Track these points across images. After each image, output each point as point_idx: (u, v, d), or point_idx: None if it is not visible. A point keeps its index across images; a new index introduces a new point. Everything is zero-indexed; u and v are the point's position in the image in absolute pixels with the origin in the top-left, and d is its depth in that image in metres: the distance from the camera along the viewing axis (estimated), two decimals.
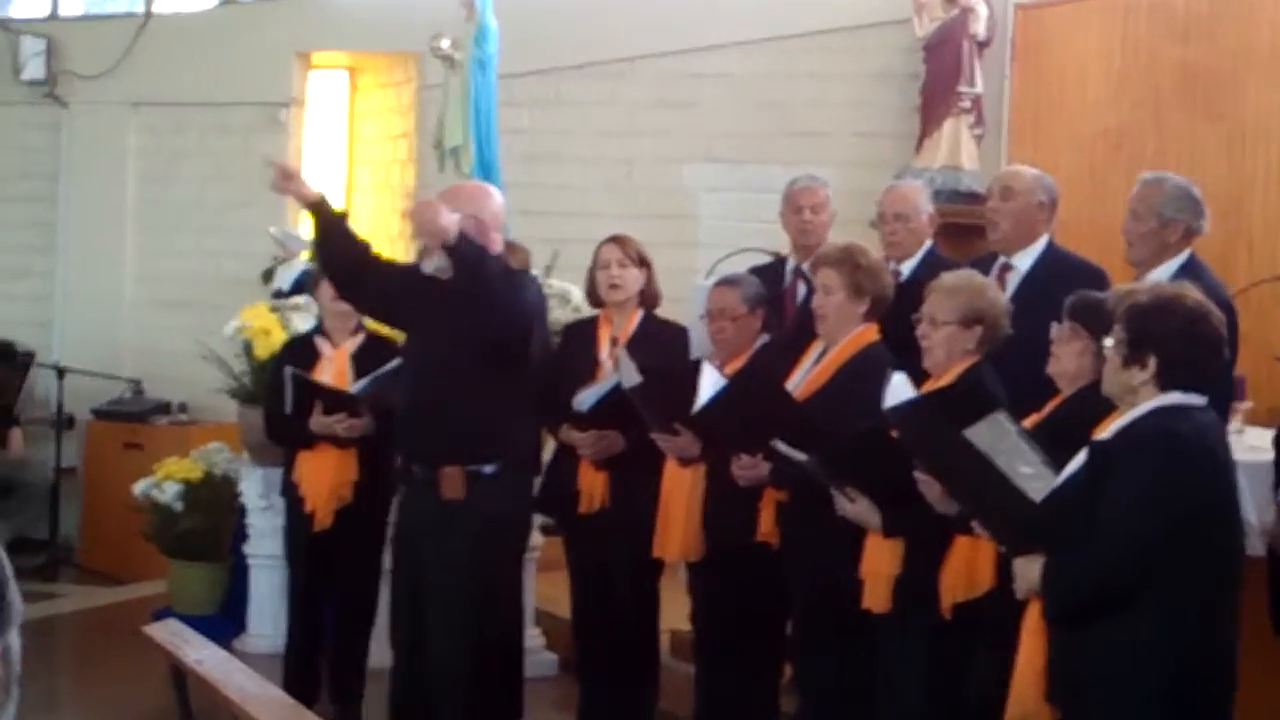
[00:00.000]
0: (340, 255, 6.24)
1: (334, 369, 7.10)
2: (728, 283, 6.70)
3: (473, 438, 6.10)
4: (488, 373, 5.98)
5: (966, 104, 9.79)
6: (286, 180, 6.18)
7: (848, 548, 5.34)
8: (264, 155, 7.41)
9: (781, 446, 5.44)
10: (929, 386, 5.26)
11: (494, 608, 6.23)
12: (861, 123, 10.18)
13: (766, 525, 5.99)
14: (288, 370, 6.97)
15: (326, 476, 6.99)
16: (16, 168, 11.89)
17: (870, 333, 5.88)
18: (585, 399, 6.61)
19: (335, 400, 6.87)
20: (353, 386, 6.92)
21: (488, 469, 6.14)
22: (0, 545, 1.98)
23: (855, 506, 5.27)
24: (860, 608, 5.28)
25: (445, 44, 8.72)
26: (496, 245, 6.16)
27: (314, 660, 7.22)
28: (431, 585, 6.20)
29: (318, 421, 6.88)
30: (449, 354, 6.01)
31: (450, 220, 5.75)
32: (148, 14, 11.74)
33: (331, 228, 6.19)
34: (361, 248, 6.25)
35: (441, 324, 6.03)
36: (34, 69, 11.61)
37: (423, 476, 6.20)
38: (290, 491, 7.17)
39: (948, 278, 5.50)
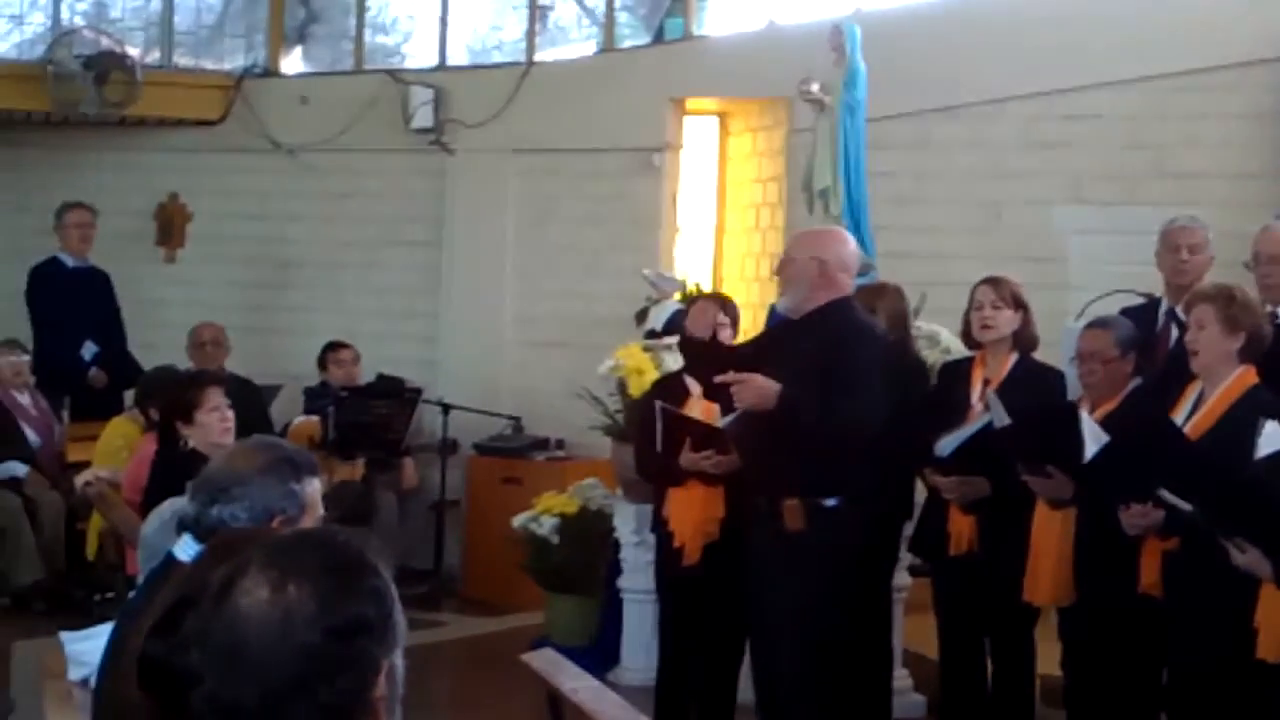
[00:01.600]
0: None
1: (702, 407, 7.20)
2: (1099, 325, 6.63)
3: (813, 470, 6.19)
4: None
5: None
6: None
7: (1241, 597, 5.23)
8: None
9: (1167, 495, 5.36)
10: None
11: (840, 640, 6.28)
12: (1237, 163, 9.93)
13: (1150, 576, 5.89)
14: (658, 403, 7.11)
15: (694, 513, 7.06)
16: (405, 213, 12.34)
17: (1250, 375, 5.76)
18: (946, 445, 6.62)
19: (704, 435, 6.97)
20: (720, 422, 7.03)
21: (829, 502, 6.21)
22: (389, 572, 2.10)
23: (1246, 556, 5.16)
24: (1253, 658, 5.18)
25: (815, 88, 8.81)
26: (843, 287, 6.36)
27: (684, 694, 7.33)
28: (775, 617, 6.29)
29: (687, 458, 6.93)
30: (807, 394, 6.14)
31: (769, 392, 6.18)
32: (529, 63, 12.11)
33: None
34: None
35: (783, 366, 6.20)
36: (423, 118, 12.03)
37: (766, 509, 6.32)
38: (660, 527, 7.31)
39: None
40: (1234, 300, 5.77)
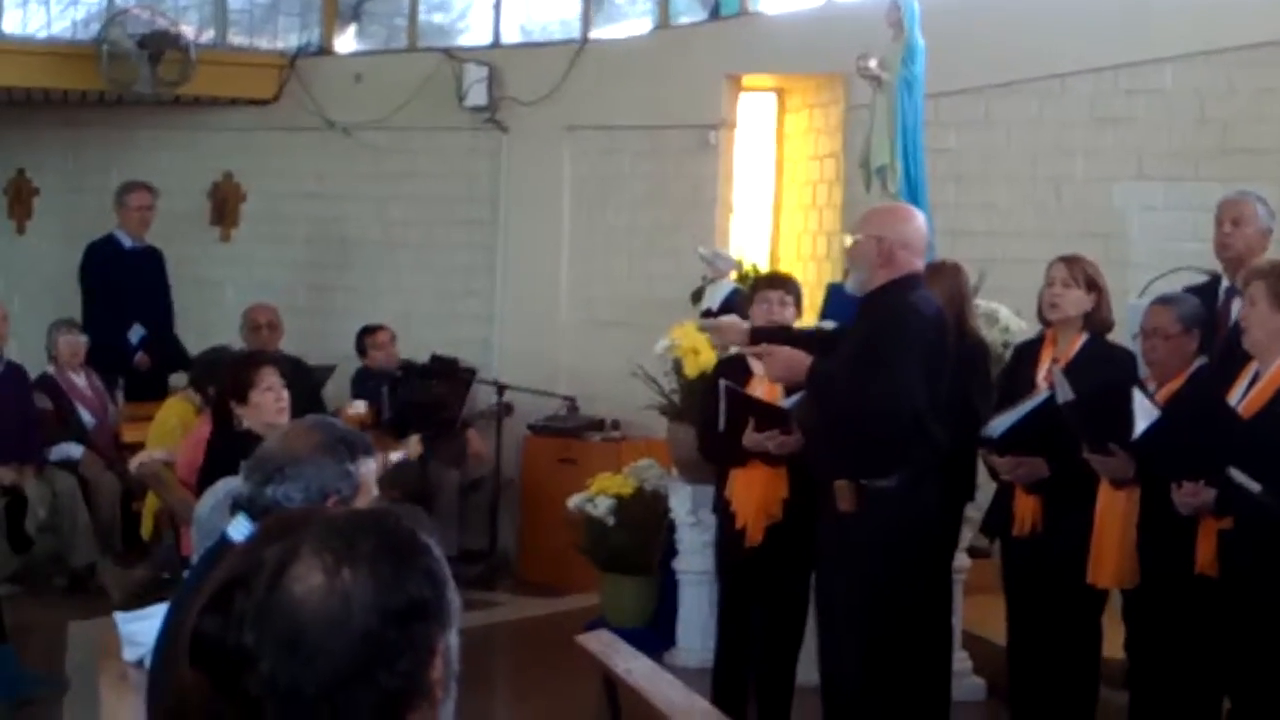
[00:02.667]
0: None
1: (765, 387, 7.15)
2: (1163, 301, 6.58)
3: (863, 451, 6.13)
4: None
5: None
6: (722, 334, 6.98)
7: None
8: (702, 323, 7.93)
9: (1237, 475, 5.29)
10: None
11: (895, 621, 6.22)
12: None
13: (1205, 557, 5.83)
14: (722, 383, 7.06)
15: (757, 493, 7.02)
16: (460, 192, 12.30)
17: None
18: (997, 425, 6.56)
19: (768, 415, 6.92)
20: (784, 402, 6.96)
21: (881, 483, 6.15)
22: (441, 552, 2.05)
23: None
24: None
25: (872, 64, 8.73)
26: (904, 265, 6.28)
27: (742, 675, 7.29)
28: (832, 598, 6.25)
29: (750, 438, 6.89)
30: (840, 369, 6.10)
31: (799, 365, 6.23)
32: (584, 40, 12.06)
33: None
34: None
35: (842, 346, 6.16)
36: (476, 96, 11.99)
37: (823, 490, 6.28)
38: (722, 508, 7.26)
39: None
40: None
